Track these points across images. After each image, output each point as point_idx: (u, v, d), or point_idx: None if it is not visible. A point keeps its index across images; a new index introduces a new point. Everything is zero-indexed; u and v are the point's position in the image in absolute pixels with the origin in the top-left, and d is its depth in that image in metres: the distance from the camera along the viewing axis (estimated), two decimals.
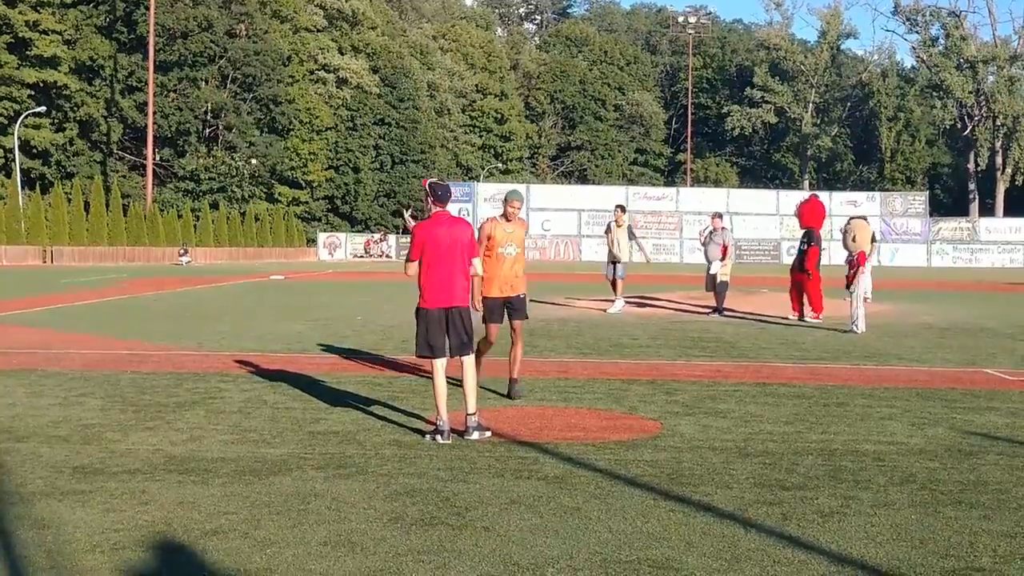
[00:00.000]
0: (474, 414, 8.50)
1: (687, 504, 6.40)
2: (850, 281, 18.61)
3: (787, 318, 21.20)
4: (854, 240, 18.84)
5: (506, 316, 10.65)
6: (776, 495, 6.63)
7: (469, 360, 8.63)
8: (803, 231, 21.43)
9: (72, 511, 6.15)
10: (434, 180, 8.95)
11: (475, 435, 8.39)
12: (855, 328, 18.32)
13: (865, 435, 8.68)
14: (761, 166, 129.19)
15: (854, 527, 5.95)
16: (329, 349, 15.10)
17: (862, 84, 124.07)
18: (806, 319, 20.78)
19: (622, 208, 22.57)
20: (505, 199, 10.67)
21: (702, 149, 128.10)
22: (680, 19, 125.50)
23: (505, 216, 10.55)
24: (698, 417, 9.45)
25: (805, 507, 6.35)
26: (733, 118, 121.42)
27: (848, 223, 19.49)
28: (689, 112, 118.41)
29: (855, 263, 18.62)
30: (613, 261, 22.18)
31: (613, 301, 22.79)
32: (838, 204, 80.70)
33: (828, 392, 11.11)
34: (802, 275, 21.00)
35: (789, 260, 24.32)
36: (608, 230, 22.56)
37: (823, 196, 33.57)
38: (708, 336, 17.59)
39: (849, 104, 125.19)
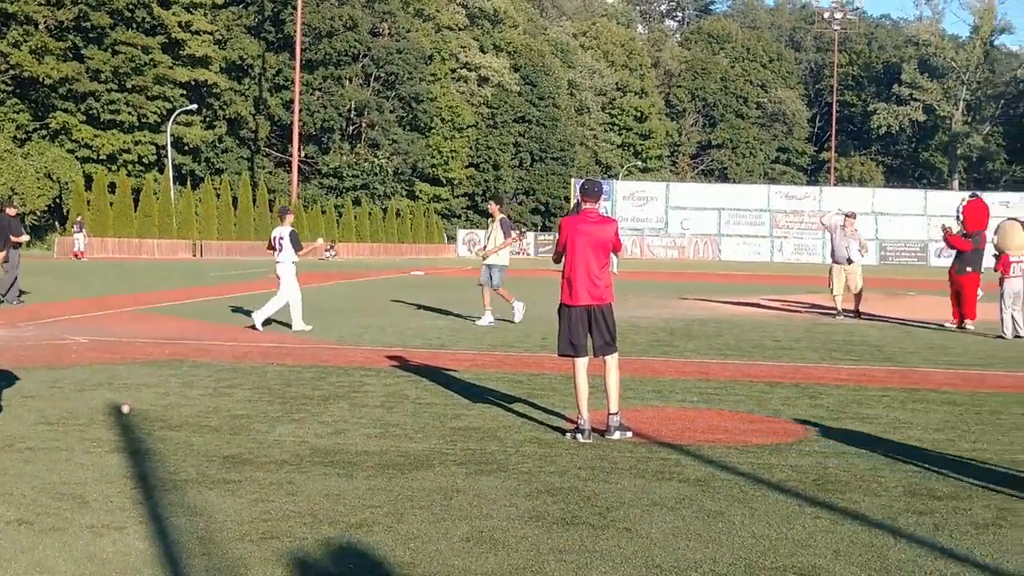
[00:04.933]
0: (616, 414, 8.44)
1: (834, 511, 6.26)
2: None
3: (943, 325, 19.86)
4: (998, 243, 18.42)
5: None
6: (927, 504, 6.43)
7: (612, 360, 8.57)
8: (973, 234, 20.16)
9: (223, 500, 6.29)
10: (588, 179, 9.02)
11: (616, 435, 8.35)
12: (1005, 333, 17.77)
13: (1021, 445, 8.36)
14: (908, 165, 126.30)
15: (1011, 540, 5.73)
16: (469, 345, 15.20)
17: (1017, 81, 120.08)
18: (965, 325, 19.60)
19: (496, 199, 19.62)
20: None
21: (846, 147, 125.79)
22: (826, 15, 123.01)
23: None
24: (844, 422, 9.23)
25: (958, 518, 6.14)
26: (879, 116, 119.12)
27: (1000, 225, 18.89)
28: (834, 110, 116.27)
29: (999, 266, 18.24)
30: (488, 265, 18.69)
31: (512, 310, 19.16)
32: (989, 205, 78.32)
33: (981, 399, 10.73)
34: (962, 277, 19.67)
35: (939, 262, 22.70)
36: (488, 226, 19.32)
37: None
38: (853, 339, 17.19)
39: (1003, 102, 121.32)
